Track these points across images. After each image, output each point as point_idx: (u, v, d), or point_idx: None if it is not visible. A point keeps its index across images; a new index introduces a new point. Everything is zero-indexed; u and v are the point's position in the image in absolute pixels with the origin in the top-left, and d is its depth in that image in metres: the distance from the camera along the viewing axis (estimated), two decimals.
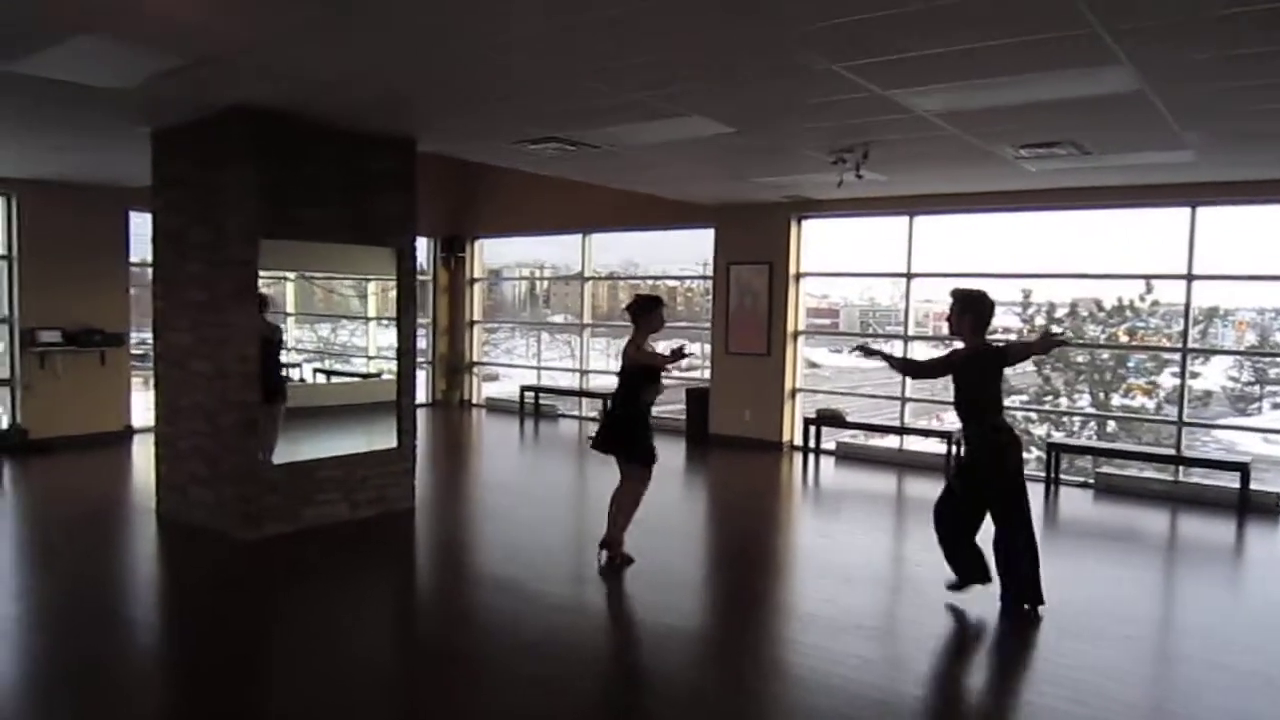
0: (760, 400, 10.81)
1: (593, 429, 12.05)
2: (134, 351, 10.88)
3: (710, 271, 11.44)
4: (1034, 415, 14.53)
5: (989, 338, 5.28)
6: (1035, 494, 8.68)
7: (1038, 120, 5.86)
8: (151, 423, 7.40)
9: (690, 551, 6.75)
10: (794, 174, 8.33)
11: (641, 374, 5.78)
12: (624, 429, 5.85)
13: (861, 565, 6.24)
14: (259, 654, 4.71)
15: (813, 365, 15.76)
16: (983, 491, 5.14)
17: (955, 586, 5.30)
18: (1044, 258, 11.49)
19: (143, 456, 8.76)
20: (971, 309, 5.16)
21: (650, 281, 15.69)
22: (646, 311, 5.88)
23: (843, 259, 11.27)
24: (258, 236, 6.30)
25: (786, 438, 10.75)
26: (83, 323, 10.26)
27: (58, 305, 10.10)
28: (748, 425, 10.87)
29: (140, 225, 10.40)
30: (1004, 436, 5.10)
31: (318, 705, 3.99)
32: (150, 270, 7.32)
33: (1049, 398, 14.91)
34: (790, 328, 10.67)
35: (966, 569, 5.27)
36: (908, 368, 6.15)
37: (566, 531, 7.37)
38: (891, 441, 10.30)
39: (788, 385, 10.72)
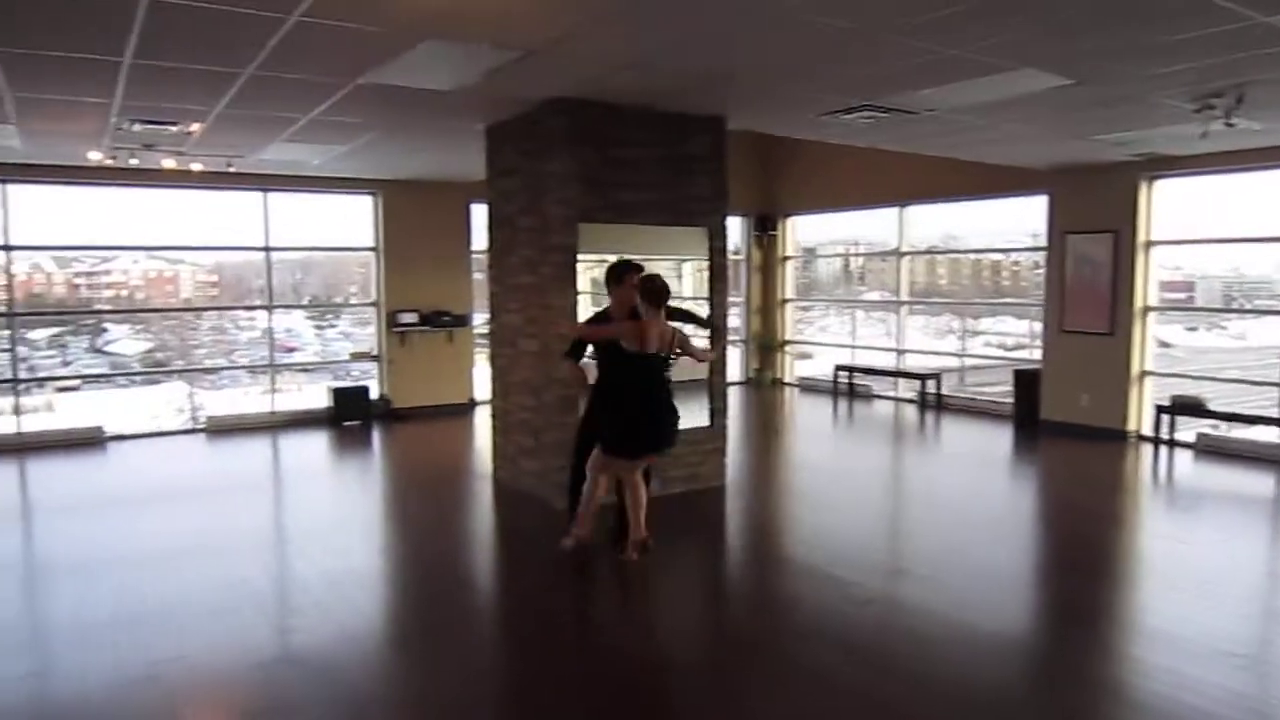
0: (1100, 384, 9.71)
1: (910, 411, 11.58)
2: (476, 331, 11.91)
3: (1041, 243, 10.46)
4: None
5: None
6: None
7: None
8: (489, 396, 8.07)
9: (1018, 549, 6.17)
10: (1145, 128, 7.32)
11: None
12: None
13: (1227, 578, 5.37)
14: (568, 625, 4.93)
15: (1163, 345, 13.93)
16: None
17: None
18: None
19: (483, 427, 9.60)
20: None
21: (972, 255, 14.71)
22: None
23: (1203, 224, 9.79)
24: (576, 221, 6.60)
25: (1132, 426, 9.59)
26: (434, 305, 11.44)
27: (413, 290, 11.35)
28: (1085, 411, 9.83)
29: (480, 216, 11.39)
30: None
31: (615, 677, 4.09)
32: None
33: None
34: (1139, 303, 9.47)
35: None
36: None
37: (879, 519, 7.05)
38: (1269, 434, 8.82)
39: (1135, 367, 9.54)
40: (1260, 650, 4.44)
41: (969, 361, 13.86)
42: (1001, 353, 13.57)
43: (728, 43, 5.09)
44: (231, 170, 8.98)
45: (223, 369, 12.64)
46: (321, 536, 6.36)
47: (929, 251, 13.49)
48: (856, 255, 15.53)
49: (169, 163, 8.45)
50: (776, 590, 5.37)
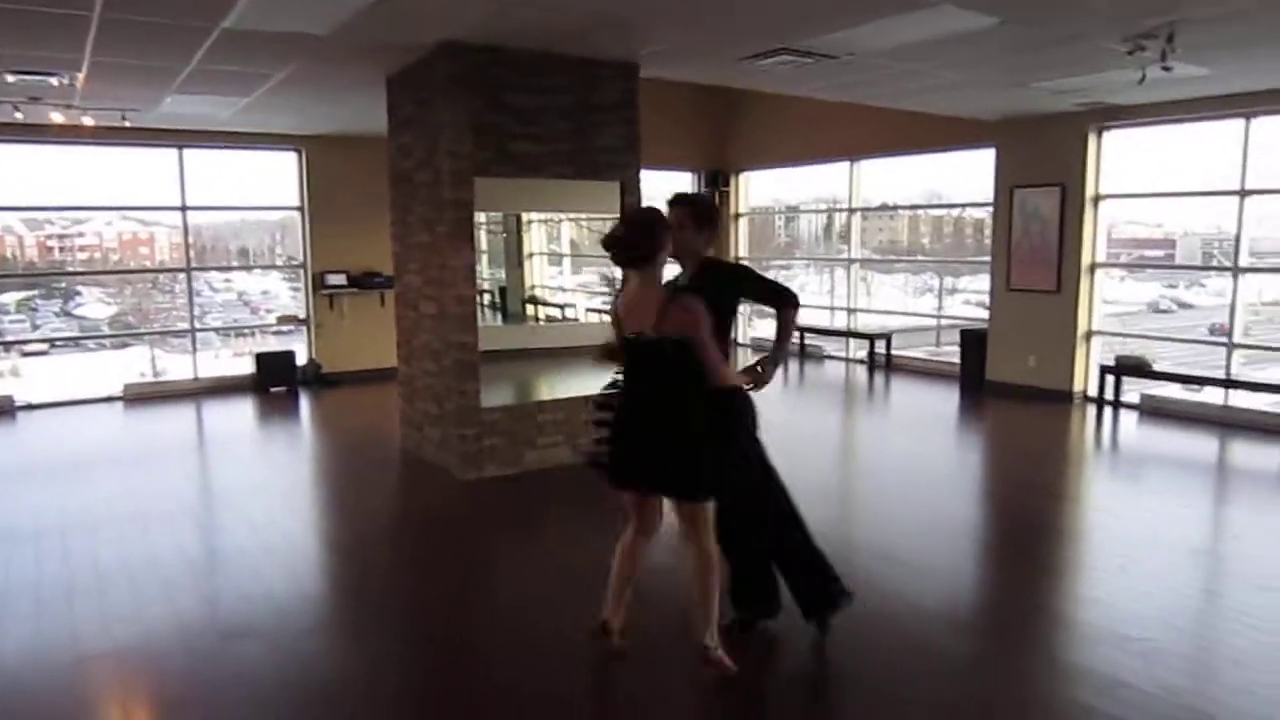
0: (1047, 344, 9.40)
1: (860, 372, 11.23)
2: None
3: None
4: None
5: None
6: None
7: None
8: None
9: (952, 522, 5.80)
10: (1085, 73, 6.91)
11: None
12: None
13: (1149, 553, 5.06)
14: (447, 601, 4.58)
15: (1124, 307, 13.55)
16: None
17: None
18: None
19: None
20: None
21: (945, 212, 14.28)
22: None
23: (1162, 178, 9.41)
24: (470, 175, 6.16)
25: (1079, 388, 9.29)
26: (364, 267, 10.97)
27: (342, 251, 10.87)
28: (1032, 372, 9.52)
29: None
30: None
31: (509, 663, 3.76)
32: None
33: None
34: (1085, 260, 9.12)
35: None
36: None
37: (813, 489, 6.71)
38: (1214, 396, 8.54)
39: (1081, 327, 9.22)
40: (1161, 635, 4.08)
41: (929, 322, 13.52)
42: (980, 312, 13.19)
43: None
44: (128, 125, 8.45)
45: (168, 333, 12.10)
46: (203, 511, 6.00)
47: (880, 209, 13.04)
48: (809, 212, 15.06)
49: (57, 116, 7.94)
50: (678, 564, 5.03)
